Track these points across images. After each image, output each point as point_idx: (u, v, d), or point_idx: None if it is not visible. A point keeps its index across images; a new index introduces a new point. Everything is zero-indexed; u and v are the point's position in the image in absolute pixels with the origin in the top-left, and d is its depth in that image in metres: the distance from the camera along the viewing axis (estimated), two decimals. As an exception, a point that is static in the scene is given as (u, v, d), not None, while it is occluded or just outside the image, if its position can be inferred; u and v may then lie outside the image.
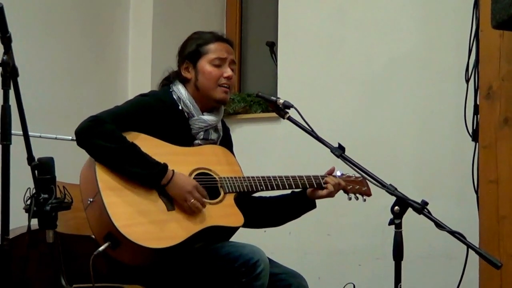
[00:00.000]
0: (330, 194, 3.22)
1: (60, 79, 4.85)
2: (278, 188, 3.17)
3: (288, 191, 3.31)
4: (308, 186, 3.22)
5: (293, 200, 3.31)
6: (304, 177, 3.22)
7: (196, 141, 3.18)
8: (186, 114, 3.17)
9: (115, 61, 5.28)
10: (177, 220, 2.92)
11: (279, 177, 3.18)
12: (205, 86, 3.18)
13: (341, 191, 3.27)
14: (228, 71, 3.20)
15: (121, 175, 2.92)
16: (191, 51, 3.19)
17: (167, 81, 3.27)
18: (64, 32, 4.89)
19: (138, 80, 5.26)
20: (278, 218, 3.36)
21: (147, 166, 2.92)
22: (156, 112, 3.08)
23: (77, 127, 2.92)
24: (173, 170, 2.95)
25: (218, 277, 2.91)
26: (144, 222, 2.87)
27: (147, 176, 2.92)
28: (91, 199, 2.87)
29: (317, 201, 3.29)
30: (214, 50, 3.19)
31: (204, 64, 3.18)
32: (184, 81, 3.21)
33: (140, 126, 3.02)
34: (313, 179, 3.23)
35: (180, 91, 3.19)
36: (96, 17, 5.14)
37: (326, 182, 3.22)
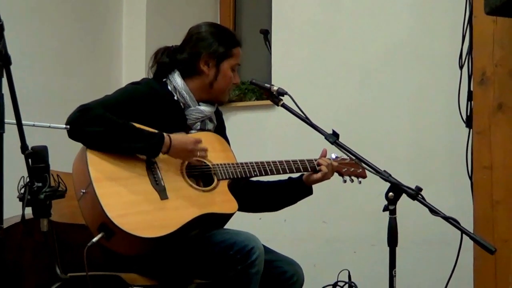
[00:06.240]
0: (325, 176, 3.23)
1: (53, 67, 4.84)
2: (272, 173, 3.18)
3: (285, 177, 3.31)
4: (302, 170, 3.23)
5: (290, 186, 3.31)
6: (298, 161, 3.23)
7: (192, 131, 3.18)
8: (182, 104, 3.16)
9: (109, 50, 5.27)
10: (170, 209, 2.91)
11: (272, 162, 3.18)
12: (221, 88, 3.20)
13: (336, 175, 3.28)
14: (238, 78, 3.26)
15: (115, 160, 2.91)
16: (221, 51, 3.17)
17: (163, 69, 3.24)
18: (57, 20, 4.88)
19: (132, 68, 5.25)
20: (275, 204, 3.37)
21: (144, 138, 2.92)
22: (149, 101, 3.07)
23: (67, 119, 2.90)
24: (169, 136, 2.96)
25: (213, 264, 2.91)
26: (138, 211, 2.86)
27: (147, 148, 2.93)
28: (84, 191, 2.86)
29: (313, 188, 3.30)
30: (236, 55, 3.22)
31: (227, 68, 3.19)
32: (193, 73, 3.18)
33: (132, 115, 3.00)
34: (307, 163, 3.23)
35: (176, 81, 3.17)
36: (90, 5, 5.13)
37: (319, 164, 3.23)
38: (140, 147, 2.92)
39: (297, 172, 3.24)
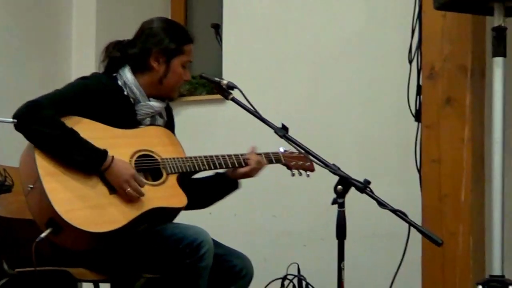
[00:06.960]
0: (251, 171, 3.22)
1: (0, 61, 4.77)
2: (221, 167, 3.18)
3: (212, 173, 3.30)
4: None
5: (215, 181, 3.31)
6: (240, 155, 3.22)
7: (141, 126, 3.16)
8: (132, 100, 3.14)
9: (58, 44, 5.20)
10: (119, 204, 2.91)
11: (221, 156, 3.18)
12: (170, 85, 3.18)
13: (284, 169, 3.28)
14: (188, 75, 3.24)
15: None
16: (172, 48, 3.14)
17: (114, 63, 3.21)
18: (3, 13, 4.81)
19: (81, 62, 5.19)
20: (204, 200, 3.34)
21: (85, 152, 2.90)
22: (98, 96, 3.04)
23: (15, 112, 2.87)
24: (112, 157, 2.92)
25: (163, 258, 2.91)
26: (86, 206, 2.85)
27: (86, 163, 2.90)
28: (31, 186, 2.84)
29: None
30: (188, 52, 3.20)
31: (178, 65, 3.17)
32: (144, 68, 3.16)
33: (81, 110, 2.99)
34: (240, 157, 3.22)
35: (126, 76, 3.15)
36: (38, -1, 5.07)
37: (247, 159, 3.22)
38: (79, 160, 2.89)
39: (246, 165, 3.23)
